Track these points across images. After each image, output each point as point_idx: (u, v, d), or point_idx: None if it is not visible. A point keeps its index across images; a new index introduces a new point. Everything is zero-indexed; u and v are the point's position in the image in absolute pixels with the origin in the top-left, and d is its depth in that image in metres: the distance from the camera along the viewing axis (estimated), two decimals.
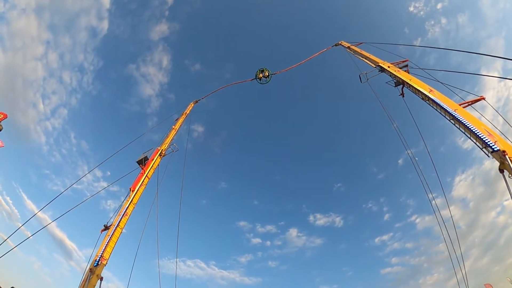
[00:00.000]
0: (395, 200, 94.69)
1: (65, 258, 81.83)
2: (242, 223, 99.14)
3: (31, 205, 75.87)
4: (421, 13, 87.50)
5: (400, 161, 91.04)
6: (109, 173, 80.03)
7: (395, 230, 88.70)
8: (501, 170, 12.44)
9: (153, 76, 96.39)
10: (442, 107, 15.74)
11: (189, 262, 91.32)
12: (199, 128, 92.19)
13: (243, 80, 37.22)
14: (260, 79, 34.87)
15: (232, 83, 39.64)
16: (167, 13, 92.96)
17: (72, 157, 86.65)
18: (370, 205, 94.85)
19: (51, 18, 77.79)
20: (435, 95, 16.65)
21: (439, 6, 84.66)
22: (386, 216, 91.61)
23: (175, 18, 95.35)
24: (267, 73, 34.61)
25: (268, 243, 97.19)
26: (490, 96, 71.05)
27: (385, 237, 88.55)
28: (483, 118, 15.18)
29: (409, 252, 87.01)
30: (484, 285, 51.26)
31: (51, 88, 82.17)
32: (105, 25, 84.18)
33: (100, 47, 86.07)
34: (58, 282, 76.46)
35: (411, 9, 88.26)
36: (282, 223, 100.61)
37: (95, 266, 16.09)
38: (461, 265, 16.76)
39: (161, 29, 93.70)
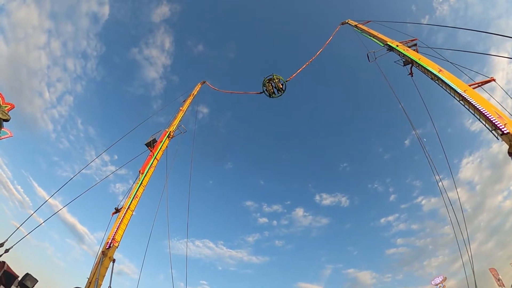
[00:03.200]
0: (401, 181, 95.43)
1: (77, 242, 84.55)
2: (248, 203, 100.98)
3: (41, 192, 77.77)
4: None
5: (406, 142, 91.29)
6: (116, 157, 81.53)
7: (400, 211, 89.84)
8: (510, 153, 12.41)
9: (156, 58, 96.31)
10: (451, 88, 15.55)
11: (198, 242, 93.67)
12: (204, 109, 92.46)
13: (250, 92, 30.70)
14: (270, 93, 27.42)
15: (239, 92, 33.83)
16: None
17: (80, 143, 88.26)
18: (376, 185, 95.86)
19: (51, 7, 77.74)
20: (445, 75, 16.41)
21: None
22: (392, 197, 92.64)
23: None
24: (278, 81, 26.95)
25: (275, 222, 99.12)
26: (499, 77, 70.21)
27: (390, 218, 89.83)
28: (492, 100, 14.99)
29: (414, 233, 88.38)
30: (489, 269, 51.83)
31: (55, 76, 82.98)
32: (106, 10, 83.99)
33: (102, 32, 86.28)
34: (71, 266, 79.24)
35: None
36: (288, 202, 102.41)
37: (107, 248, 16.49)
38: (467, 248, 16.88)
39: (162, 10, 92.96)
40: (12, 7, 71.14)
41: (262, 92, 27.85)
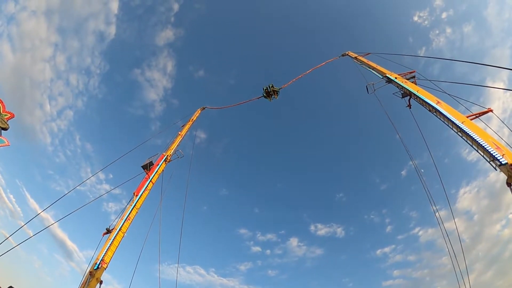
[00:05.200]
0: (397, 211, 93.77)
1: (65, 258, 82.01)
2: (242, 231, 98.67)
3: (34, 204, 76.54)
4: (426, 22, 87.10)
5: (403, 173, 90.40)
6: (111, 176, 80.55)
7: (397, 242, 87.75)
8: (508, 184, 12.33)
9: (157, 81, 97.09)
10: (449, 120, 15.64)
11: (188, 268, 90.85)
12: (201, 135, 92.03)
13: (250, 99, 36.87)
14: (268, 96, 34.37)
15: (241, 102, 39.10)
16: (172, 19, 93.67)
17: (76, 158, 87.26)
18: (372, 216, 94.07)
19: (60, 21, 79.21)
20: (443, 107, 16.55)
21: (444, 15, 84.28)
22: (388, 228, 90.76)
23: (181, 24, 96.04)
24: (274, 88, 34.11)
25: (268, 251, 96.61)
26: (496, 106, 70.51)
27: (386, 249, 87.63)
28: (488, 129, 15.07)
29: (411, 264, 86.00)
30: None
31: (58, 89, 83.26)
32: (112, 29, 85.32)
33: (107, 51, 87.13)
34: (58, 282, 76.69)
35: (416, 18, 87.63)
36: (282, 232, 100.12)
37: (95, 269, 15.99)
38: (466, 279, 16.49)
39: (167, 34, 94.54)
40: (22, 17, 72.96)
41: (261, 97, 34.82)
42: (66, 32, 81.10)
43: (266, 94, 34.54)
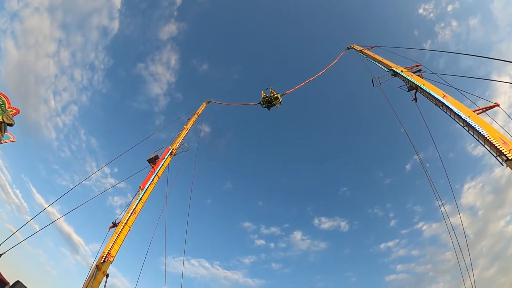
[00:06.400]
0: (401, 206, 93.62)
1: (71, 252, 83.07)
2: (246, 224, 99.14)
3: (39, 199, 77.59)
4: (431, 15, 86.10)
5: (407, 167, 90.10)
6: (116, 170, 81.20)
7: (401, 236, 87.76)
8: None
9: (161, 75, 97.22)
10: (456, 114, 15.51)
11: (193, 261, 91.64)
12: (205, 128, 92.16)
13: (247, 103, 34.88)
14: (267, 105, 30.98)
15: (238, 104, 39.24)
16: (176, 13, 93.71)
17: (82, 153, 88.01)
18: (376, 210, 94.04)
19: (63, 17, 79.55)
20: (449, 101, 16.40)
21: (449, 8, 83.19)
22: (392, 222, 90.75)
23: (184, 18, 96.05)
24: (275, 95, 30.74)
25: (272, 245, 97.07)
26: (502, 101, 69.22)
27: (390, 244, 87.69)
28: (495, 124, 14.96)
29: (414, 259, 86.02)
30: None
31: (62, 85, 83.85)
32: (115, 24, 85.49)
33: (110, 46, 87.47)
34: (63, 275, 77.76)
35: (421, 11, 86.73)
36: (286, 225, 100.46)
37: (101, 263, 16.13)
38: (470, 274, 16.48)
39: (170, 29, 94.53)
40: (25, 14, 73.54)
41: (258, 103, 31.23)
42: (70, 28, 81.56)
43: (266, 103, 31.03)
